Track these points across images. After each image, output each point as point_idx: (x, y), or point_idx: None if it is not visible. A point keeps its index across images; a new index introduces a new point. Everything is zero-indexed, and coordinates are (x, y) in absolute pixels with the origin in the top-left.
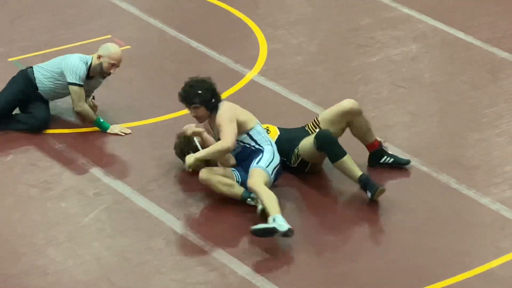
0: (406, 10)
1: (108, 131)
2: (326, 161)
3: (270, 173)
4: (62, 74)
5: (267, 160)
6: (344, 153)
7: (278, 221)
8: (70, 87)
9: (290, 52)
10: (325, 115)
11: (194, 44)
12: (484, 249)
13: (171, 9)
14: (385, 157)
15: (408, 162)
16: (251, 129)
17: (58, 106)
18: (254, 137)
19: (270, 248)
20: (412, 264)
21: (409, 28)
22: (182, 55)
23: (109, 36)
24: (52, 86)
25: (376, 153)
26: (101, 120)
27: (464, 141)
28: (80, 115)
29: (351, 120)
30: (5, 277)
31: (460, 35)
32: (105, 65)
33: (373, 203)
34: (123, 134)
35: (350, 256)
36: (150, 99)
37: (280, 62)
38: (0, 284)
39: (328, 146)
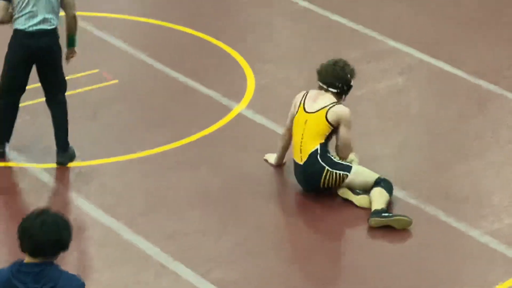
0: (392, 43)
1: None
2: None
3: None
4: None
5: None
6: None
7: None
8: None
9: (278, 85)
10: None
11: (182, 78)
12: (473, 282)
13: (159, 44)
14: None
15: None
16: None
17: (47, 139)
18: None
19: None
20: None
21: (395, 60)
22: (170, 89)
23: (97, 70)
24: None
25: None
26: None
27: (452, 173)
28: None
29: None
30: None
31: (447, 67)
32: None
33: (361, 233)
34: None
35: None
36: (138, 132)
37: (268, 95)
38: None
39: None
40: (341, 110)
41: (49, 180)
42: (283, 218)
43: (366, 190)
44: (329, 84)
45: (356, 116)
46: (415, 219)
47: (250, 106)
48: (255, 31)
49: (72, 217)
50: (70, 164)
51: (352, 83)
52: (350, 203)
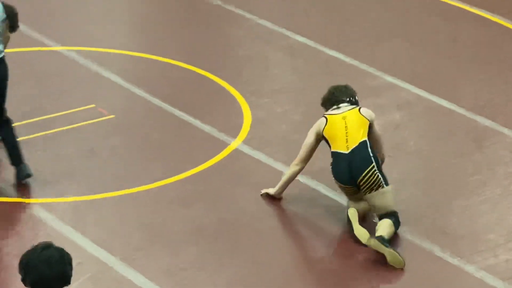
0: (389, 78)
1: None
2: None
3: None
4: None
5: None
6: None
7: None
8: None
9: (274, 120)
10: None
11: (178, 113)
12: None
13: (155, 79)
14: None
15: None
16: None
17: (43, 172)
18: None
19: None
20: None
21: (392, 96)
22: (166, 124)
23: (93, 105)
24: None
25: None
26: None
27: (448, 209)
28: None
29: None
30: None
31: (444, 103)
32: None
33: (358, 268)
34: None
35: None
36: (134, 167)
37: (264, 130)
38: None
39: None
40: (369, 110)
41: (45, 215)
42: (280, 253)
43: (377, 212)
44: (340, 101)
45: None
46: (411, 254)
47: (246, 141)
48: (251, 65)
49: (68, 252)
50: (67, 199)
51: (357, 98)
52: (349, 237)
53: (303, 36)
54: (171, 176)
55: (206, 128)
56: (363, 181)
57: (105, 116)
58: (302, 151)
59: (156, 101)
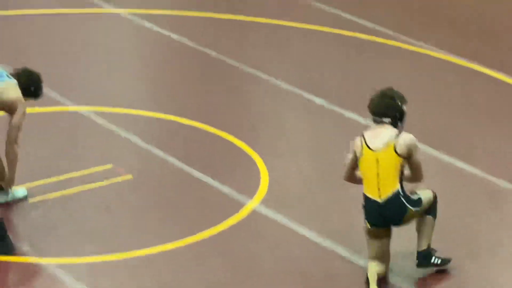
0: None
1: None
2: None
3: None
4: None
5: None
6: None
7: None
8: None
9: (291, 180)
10: None
11: (195, 173)
12: None
13: (172, 139)
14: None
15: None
16: None
17: (60, 231)
18: None
19: None
20: None
21: None
22: (183, 184)
23: (110, 165)
24: None
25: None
26: None
27: (464, 269)
28: None
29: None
30: None
31: (458, 162)
32: None
33: None
34: None
35: None
36: (151, 227)
37: (281, 191)
38: None
39: None
40: (407, 139)
41: (61, 275)
42: None
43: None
44: (382, 115)
45: None
46: None
47: (263, 201)
48: (268, 125)
49: None
50: (84, 259)
51: (404, 109)
52: None
53: (318, 97)
54: (188, 236)
55: (223, 188)
56: (405, 223)
57: (123, 176)
58: (347, 160)
59: (174, 161)
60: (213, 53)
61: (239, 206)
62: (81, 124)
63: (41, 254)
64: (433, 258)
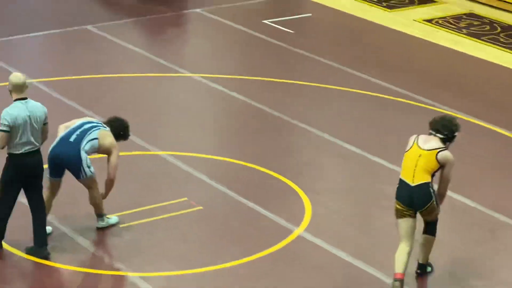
0: None
1: None
2: None
3: None
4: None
5: None
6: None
7: None
8: None
9: (331, 213)
10: None
11: (251, 205)
12: None
13: (234, 178)
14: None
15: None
16: None
17: (142, 252)
18: None
19: None
20: None
21: None
22: (242, 214)
23: (185, 198)
24: None
25: None
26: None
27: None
28: None
29: None
30: None
31: (466, 200)
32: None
33: None
34: None
35: None
36: (217, 248)
37: (321, 220)
38: None
39: None
40: (448, 155)
41: (144, 286)
42: None
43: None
44: (437, 131)
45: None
46: None
47: (307, 229)
48: (311, 168)
49: None
50: (162, 273)
51: (456, 134)
52: None
53: (352, 145)
54: (246, 257)
55: (274, 218)
56: (423, 211)
57: (195, 207)
58: None
59: (234, 195)
60: (268, 109)
61: (287, 232)
62: (161, 165)
63: (129, 268)
64: (428, 268)
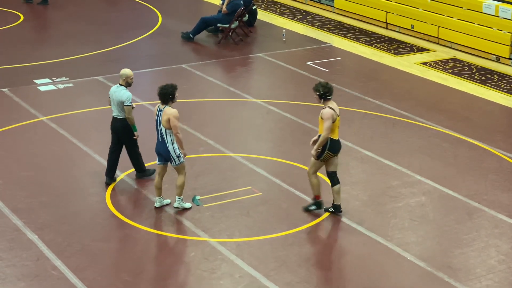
0: (418, 177)
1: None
2: None
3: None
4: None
5: None
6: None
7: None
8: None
9: (351, 199)
10: None
11: (297, 192)
12: None
13: (284, 172)
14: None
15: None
16: None
17: (217, 225)
18: None
19: None
20: None
21: (420, 188)
22: (290, 198)
23: (249, 187)
24: None
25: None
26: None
27: (453, 254)
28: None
29: None
30: None
31: (450, 192)
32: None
33: None
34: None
35: None
36: (272, 223)
37: (345, 205)
38: None
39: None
40: (323, 111)
41: (220, 248)
42: None
43: (333, 169)
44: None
45: (397, 217)
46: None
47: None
48: (339, 167)
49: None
50: (233, 239)
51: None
52: None
53: (368, 151)
54: (292, 229)
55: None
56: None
57: (256, 193)
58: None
59: (284, 185)
60: (310, 125)
61: (322, 212)
62: (233, 163)
63: (209, 235)
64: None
